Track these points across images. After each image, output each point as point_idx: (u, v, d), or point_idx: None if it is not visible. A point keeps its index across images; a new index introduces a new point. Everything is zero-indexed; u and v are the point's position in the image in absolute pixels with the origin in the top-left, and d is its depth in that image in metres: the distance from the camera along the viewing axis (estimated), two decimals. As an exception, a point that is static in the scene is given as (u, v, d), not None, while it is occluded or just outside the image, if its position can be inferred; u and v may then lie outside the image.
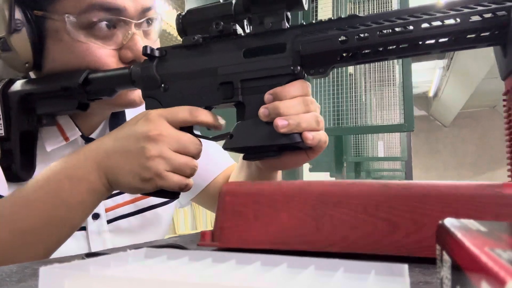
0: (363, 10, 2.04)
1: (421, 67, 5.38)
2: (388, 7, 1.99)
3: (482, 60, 4.31)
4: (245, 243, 0.34)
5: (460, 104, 6.36)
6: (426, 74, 5.85)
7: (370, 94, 2.26)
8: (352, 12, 2.03)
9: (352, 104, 1.88)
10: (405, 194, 0.31)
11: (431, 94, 7.00)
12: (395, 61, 2.04)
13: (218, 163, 0.67)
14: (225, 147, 0.43)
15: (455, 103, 6.43)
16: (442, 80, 6.06)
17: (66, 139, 0.54)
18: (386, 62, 2.13)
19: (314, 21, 0.40)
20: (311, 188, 0.34)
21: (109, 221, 0.57)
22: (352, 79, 2.01)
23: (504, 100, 0.35)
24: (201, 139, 0.45)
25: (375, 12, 2.01)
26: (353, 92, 1.93)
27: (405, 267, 0.19)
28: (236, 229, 0.35)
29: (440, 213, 0.30)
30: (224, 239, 0.35)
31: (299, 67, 0.40)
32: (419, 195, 0.31)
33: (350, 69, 1.98)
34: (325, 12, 1.94)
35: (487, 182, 0.30)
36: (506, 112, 0.35)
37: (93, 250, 0.55)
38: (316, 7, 1.96)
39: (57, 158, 0.50)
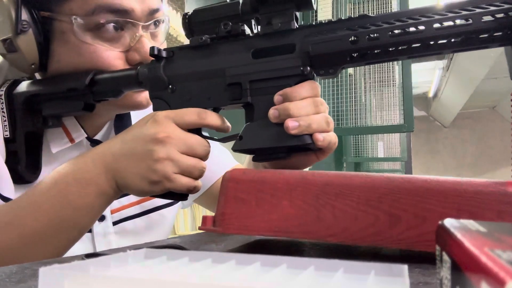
0: (363, 11, 2.04)
1: (420, 68, 5.39)
2: (388, 8, 1.99)
3: (481, 61, 4.31)
4: (246, 229, 0.34)
5: (460, 105, 6.36)
6: (426, 74, 5.86)
7: (370, 94, 2.26)
8: (352, 13, 2.03)
9: (352, 105, 1.88)
10: (408, 187, 0.31)
11: (430, 94, 7.01)
12: (395, 61, 2.05)
13: (222, 164, 0.67)
14: (235, 149, 0.42)
15: (454, 104, 6.43)
16: (441, 80, 6.06)
17: (72, 140, 0.53)
18: (386, 62, 2.13)
19: (324, 21, 0.40)
20: (314, 178, 0.34)
21: (114, 223, 0.57)
22: (352, 80, 2.01)
23: (511, 100, 0.35)
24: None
25: (374, 13, 2.01)
26: (353, 92, 1.93)
27: (405, 267, 0.19)
28: (238, 215, 0.35)
29: (442, 208, 0.30)
30: (225, 225, 0.35)
31: (308, 68, 0.40)
32: (422, 190, 0.31)
33: (350, 69, 1.99)
34: (324, 12, 1.94)
35: (490, 180, 0.30)
36: (513, 112, 0.35)
37: None
38: (316, 7, 1.97)
39: (63, 159, 0.49)
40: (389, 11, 1.90)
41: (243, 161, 0.65)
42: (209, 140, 0.45)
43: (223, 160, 0.67)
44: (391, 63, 2.10)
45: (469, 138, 7.50)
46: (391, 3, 2.00)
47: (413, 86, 1.83)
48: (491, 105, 7.07)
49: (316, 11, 1.95)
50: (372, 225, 0.31)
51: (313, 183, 0.33)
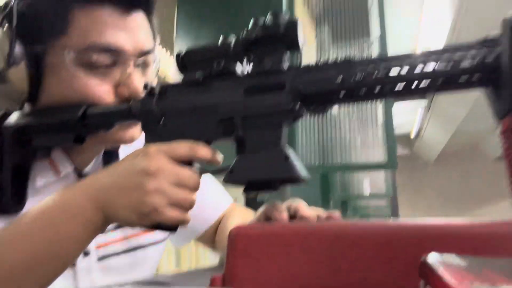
0: (345, 55, 2.13)
1: (403, 108, 5.56)
2: (368, 54, 2.09)
3: (460, 102, 4.48)
4: (259, 287, 0.33)
5: (442, 144, 6.52)
6: (409, 114, 6.04)
7: (354, 133, 2.31)
8: (335, 57, 2.12)
9: (337, 143, 1.91)
10: (420, 234, 0.31)
11: (413, 134, 7.19)
12: (378, 102, 2.11)
13: (217, 206, 0.68)
14: (226, 181, 0.42)
15: (437, 143, 6.59)
16: (423, 120, 6.25)
17: (58, 173, 0.53)
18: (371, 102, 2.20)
19: (312, 63, 0.42)
20: (326, 229, 0.33)
21: (99, 259, 0.55)
22: (336, 119, 2.06)
23: (502, 138, 0.36)
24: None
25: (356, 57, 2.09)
26: (338, 131, 1.97)
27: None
28: (249, 272, 0.33)
29: (456, 252, 0.30)
30: (237, 283, 0.33)
31: (299, 104, 0.41)
32: (434, 235, 0.31)
33: (334, 110, 2.04)
34: (309, 57, 2.02)
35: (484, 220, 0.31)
36: (506, 150, 0.35)
37: None
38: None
39: (48, 193, 0.49)
40: (370, 57, 2.00)
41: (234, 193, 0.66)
42: (201, 179, 0.45)
43: (217, 201, 0.69)
44: (374, 103, 2.17)
45: (453, 176, 7.62)
46: (371, 49, 2.10)
47: (396, 126, 1.88)
48: (473, 143, 7.27)
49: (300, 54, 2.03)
50: (388, 275, 0.31)
51: (325, 234, 0.33)
